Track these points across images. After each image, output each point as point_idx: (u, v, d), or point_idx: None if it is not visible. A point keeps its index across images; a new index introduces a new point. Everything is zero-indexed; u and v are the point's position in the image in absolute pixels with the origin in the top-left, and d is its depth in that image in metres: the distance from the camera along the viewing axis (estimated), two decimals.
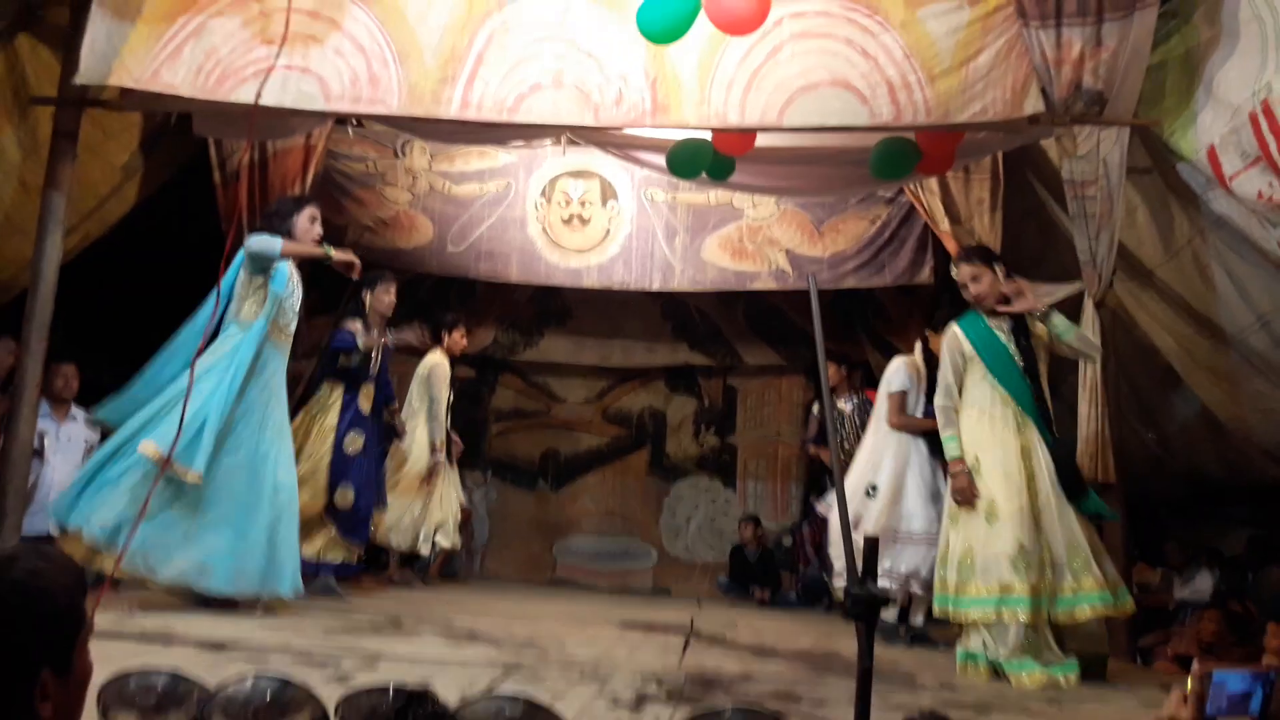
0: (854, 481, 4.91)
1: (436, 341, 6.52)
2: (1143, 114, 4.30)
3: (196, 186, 5.85)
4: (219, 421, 4.02)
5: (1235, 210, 4.09)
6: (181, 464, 3.91)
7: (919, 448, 4.90)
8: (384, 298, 5.55)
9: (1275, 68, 3.63)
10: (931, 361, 4.81)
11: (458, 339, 6.49)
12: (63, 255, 4.58)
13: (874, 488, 4.85)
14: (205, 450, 3.97)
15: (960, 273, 4.09)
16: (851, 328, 7.45)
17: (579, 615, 5.29)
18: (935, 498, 4.75)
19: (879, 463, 4.93)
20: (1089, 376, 4.52)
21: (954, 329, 4.07)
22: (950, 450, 3.94)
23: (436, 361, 6.38)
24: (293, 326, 4.44)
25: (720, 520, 7.97)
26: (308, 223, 4.48)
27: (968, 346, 3.99)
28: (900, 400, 4.99)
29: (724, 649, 4.27)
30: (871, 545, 1.81)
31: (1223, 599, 5.49)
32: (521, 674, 3.13)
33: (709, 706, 2.13)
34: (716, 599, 7.16)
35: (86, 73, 4.36)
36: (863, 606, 1.70)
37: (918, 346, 5.15)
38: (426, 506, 6.21)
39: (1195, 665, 1.54)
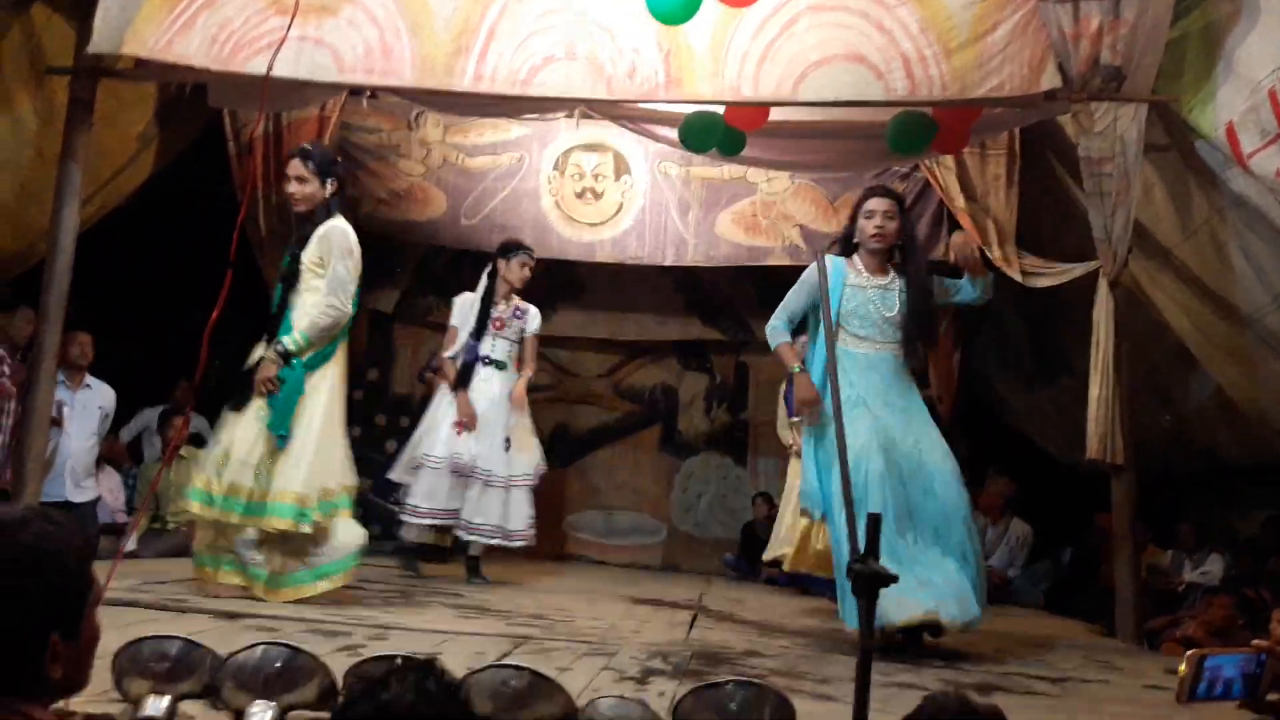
0: None
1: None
2: (1161, 90, 4.25)
3: (212, 157, 5.87)
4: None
5: (1253, 189, 4.05)
6: None
7: None
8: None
9: None
10: None
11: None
12: (79, 224, 4.61)
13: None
14: None
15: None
16: None
17: (588, 590, 5.33)
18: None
19: None
20: (1100, 357, 4.49)
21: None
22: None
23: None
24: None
25: (731, 497, 7.98)
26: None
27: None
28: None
29: (731, 625, 4.30)
30: (875, 521, 1.81)
31: (1235, 583, 5.47)
32: (529, 647, 3.16)
33: (712, 681, 2.15)
34: (726, 576, 7.18)
35: (100, 42, 4.37)
36: (865, 582, 1.71)
37: None
38: None
39: (1189, 651, 1.55)
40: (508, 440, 5.20)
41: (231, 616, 3.28)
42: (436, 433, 5.17)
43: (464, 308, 5.44)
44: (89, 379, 5.46)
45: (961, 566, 3.58)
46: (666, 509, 8.06)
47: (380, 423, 7.63)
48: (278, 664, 2.08)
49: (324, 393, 3.91)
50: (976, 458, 7.45)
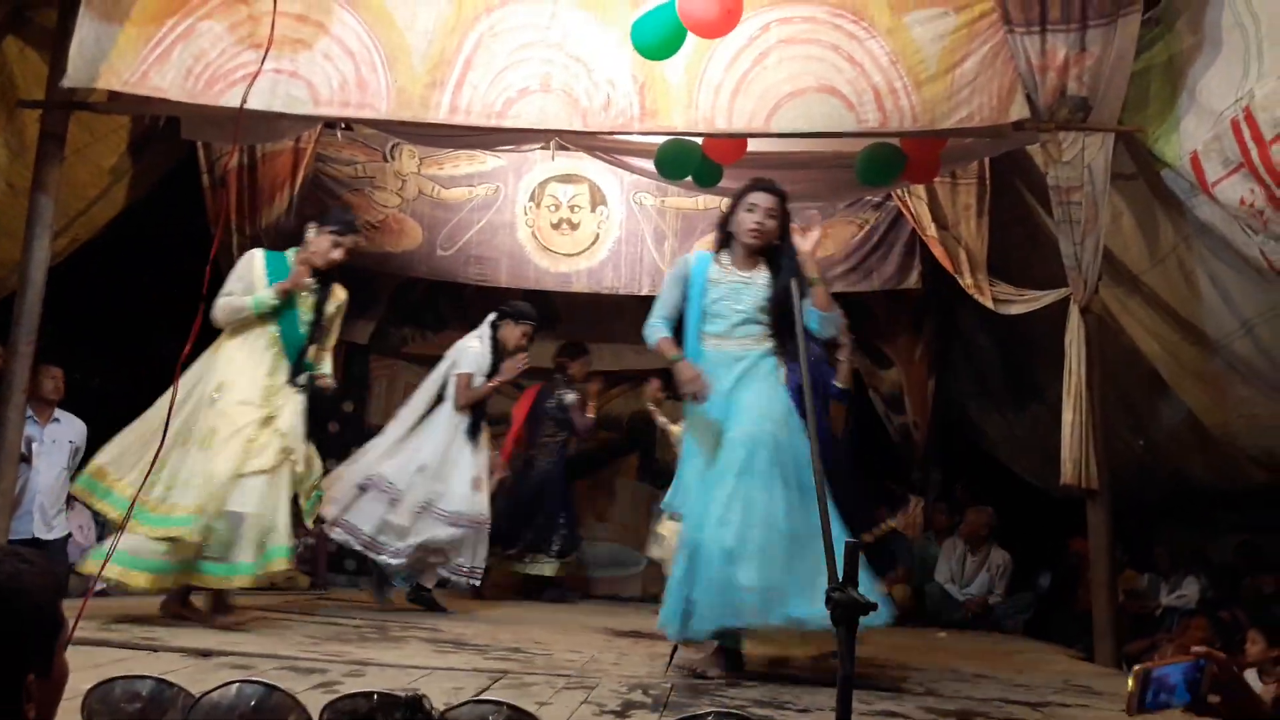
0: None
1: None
2: (1127, 120, 4.33)
3: (185, 189, 5.85)
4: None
5: (1218, 217, 4.12)
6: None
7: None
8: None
9: (1257, 75, 3.65)
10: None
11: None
12: (51, 258, 4.57)
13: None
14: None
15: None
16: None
17: (566, 622, 5.29)
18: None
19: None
20: (1073, 384, 4.53)
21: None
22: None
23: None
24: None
25: None
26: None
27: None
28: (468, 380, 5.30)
29: (711, 657, 4.26)
30: (853, 551, 1.81)
31: (1210, 606, 5.50)
32: (507, 681, 3.13)
33: (692, 713, 2.13)
34: None
35: (74, 75, 4.36)
36: (842, 612, 1.71)
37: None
38: None
39: (1135, 667, 1.58)
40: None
41: (204, 654, 3.23)
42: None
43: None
44: (58, 412, 5.39)
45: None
46: (645, 539, 8.03)
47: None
48: (252, 702, 2.05)
49: None
50: (950, 483, 7.49)
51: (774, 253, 3.69)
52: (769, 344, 3.67)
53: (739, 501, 3.38)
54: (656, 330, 3.78)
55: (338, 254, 4.22)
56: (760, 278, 3.68)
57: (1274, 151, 3.57)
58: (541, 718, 2.08)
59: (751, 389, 3.59)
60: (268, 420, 4.01)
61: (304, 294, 4.18)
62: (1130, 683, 1.57)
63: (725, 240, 3.76)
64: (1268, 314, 4.43)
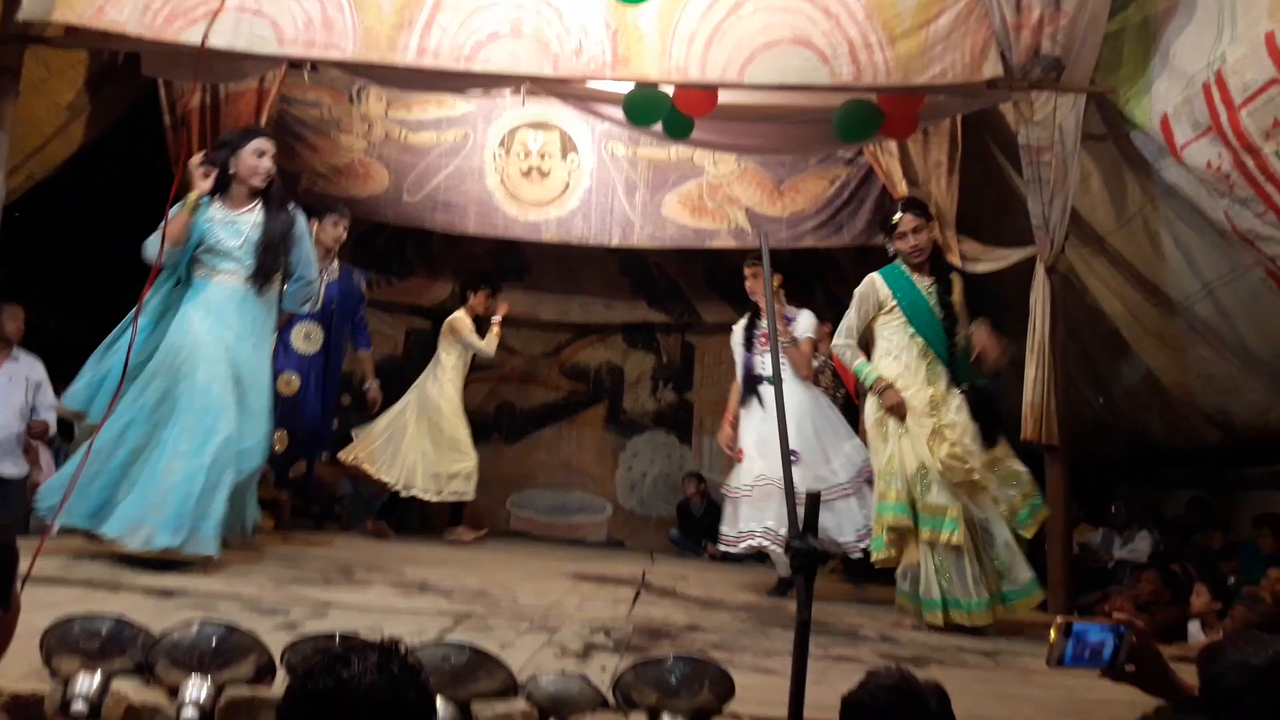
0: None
1: (462, 302, 6.71)
2: (1099, 81, 4.33)
3: (146, 128, 5.71)
4: (122, 370, 3.69)
5: (1185, 180, 4.15)
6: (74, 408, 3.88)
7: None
8: (330, 230, 5.47)
9: (1229, 38, 3.66)
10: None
11: (481, 299, 6.64)
12: (6, 195, 4.46)
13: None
14: (103, 395, 3.79)
15: (903, 221, 4.23)
16: (808, 288, 7.49)
17: (531, 567, 5.33)
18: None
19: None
20: (1036, 340, 4.59)
21: (873, 276, 4.20)
22: (868, 377, 4.13)
23: (459, 316, 6.57)
24: (231, 264, 4.06)
25: (676, 475, 8.04)
26: (254, 157, 4.17)
27: (885, 293, 4.16)
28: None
29: (673, 601, 4.33)
30: (813, 500, 1.84)
31: (1161, 560, 5.65)
32: (471, 623, 3.15)
33: (653, 656, 2.17)
34: (670, 552, 7.23)
35: (29, 8, 4.21)
36: (802, 560, 1.73)
37: None
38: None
39: (1058, 617, 1.63)
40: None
41: (165, 594, 3.22)
42: None
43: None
44: (16, 351, 5.31)
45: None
46: (611, 487, 8.09)
47: None
48: (213, 642, 2.05)
49: None
50: None
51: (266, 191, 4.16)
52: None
53: None
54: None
55: None
56: (251, 216, 4.12)
57: (1243, 116, 3.60)
58: (504, 659, 2.10)
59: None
60: None
61: None
62: (1052, 634, 1.61)
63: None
64: (1228, 276, 4.49)
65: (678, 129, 5.04)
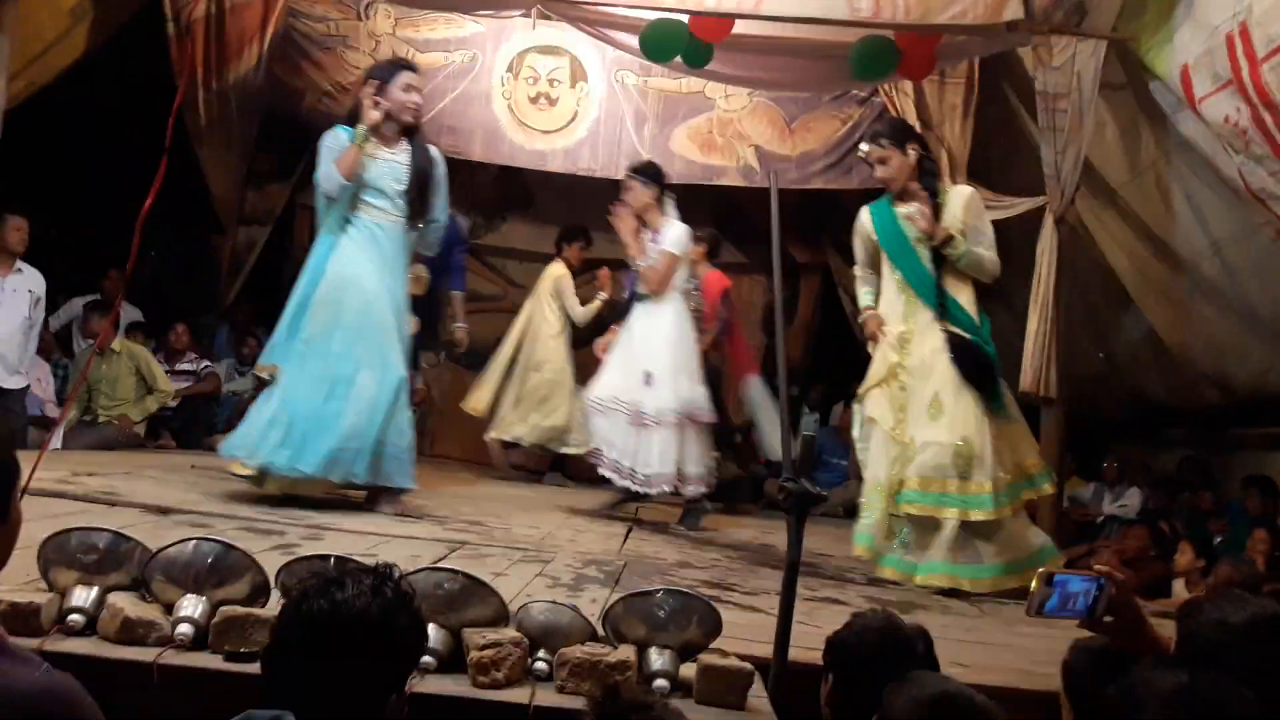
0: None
1: (558, 253, 6.46)
2: (1121, 28, 4.25)
3: (150, 38, 5.62)
4: (294, 314, 3.84)
5: (1201, 134, 4.09)
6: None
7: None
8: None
9: None
10: None
11: (575, 251, 6.41)
12: (7, 102, 4.40)
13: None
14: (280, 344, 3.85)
15: (869, 153, 3.90)
16: (815, 230, 7.43)
17: (527, 500, 5.37)
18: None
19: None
20: (1040, 292, 4.57)
21: (862, 212, 3.99)
22: (864, 300, 4.00)
23: (564, 274, 6.36)
24: (385, 201, 3.93)
25: None
26: (402, 92, 3.90)
27: (868, 228, 3.93)
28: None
29: (665, 538, 4.37)
30: (809, 444, 1.84)
31: (1150, 516, 5.69)
32: (464, 551, 3.19)
33: (642, 589, 2.19)
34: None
35: None
36: (796, 500, 1.75)
37: None
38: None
39: (1040, 569, 1.64)
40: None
41: (163, 511, 3.25)
42: None
43: None
44: (19, 263, 5.27)
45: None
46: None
47: None
48: (209, 559, 2.06)
49: None
50: None
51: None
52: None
53: None
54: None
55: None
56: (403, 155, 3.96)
57: (1264, 70, 3.53)
58: (496, 587, 2.12)
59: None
60: None
61: None
62: (1034, 584, 1.62)
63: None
64: (1238, 235, 4.46)
65: (696, 58, 4.93)
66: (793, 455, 1.77)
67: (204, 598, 1.99)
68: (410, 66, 4.07)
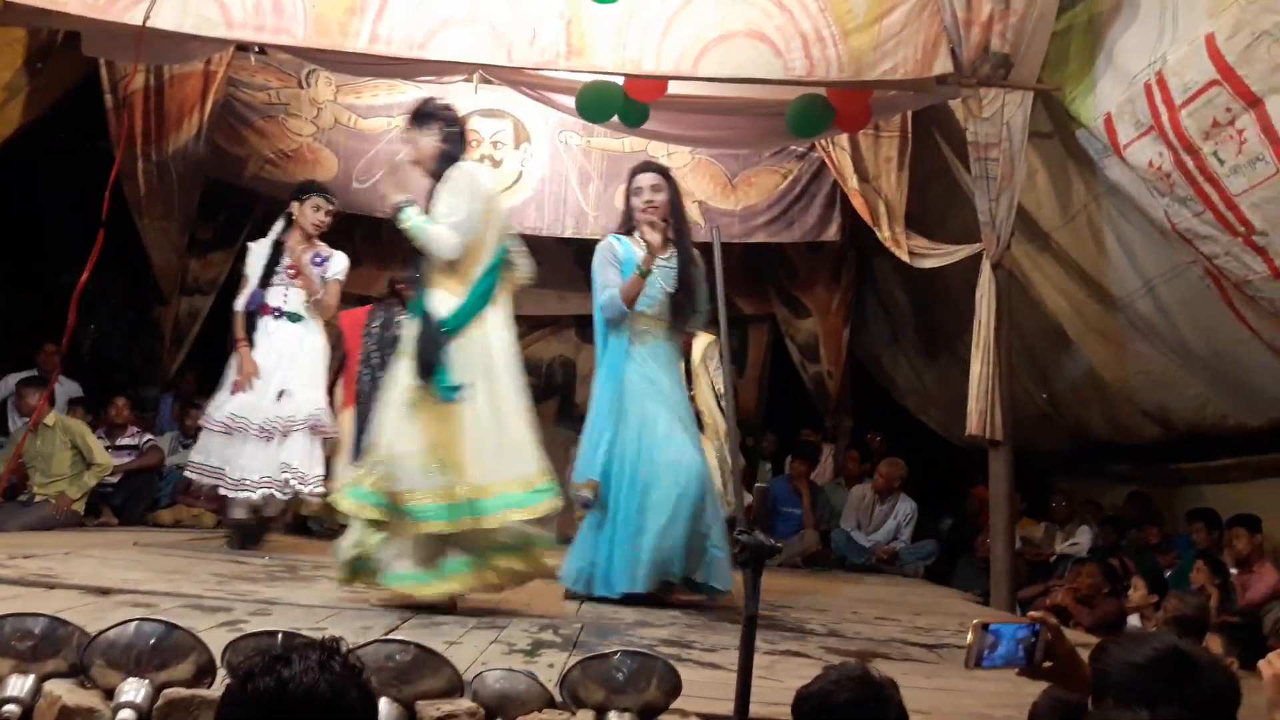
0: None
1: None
2: (1046, 79, 4.40)
3: (87, 109, 5.57)
4: (601, 429, 4.13)
5: (1128, 178, 4.23)
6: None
7: None
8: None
9: (1171, 39, 3.74)
10: None
11: None
12: None
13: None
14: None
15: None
16: (760, 282, 7.52)
17: None
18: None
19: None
20: (981, 337, 4.65)
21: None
22: None
23: None
24: (655, 311, 3.98)
25: None
26: (653, 193, 3.92)
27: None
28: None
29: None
30: (763, 494, 1.84)
31: (1101, 553, 5.76)
32: (416, 620, 3.12)
33: (599, 652, 2.16)
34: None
35: None
36: (750, 554, 1.74)
37: None
38: None
39: (974, 621, 1.64)
40: (280, 392, 4.73)
41: (103, 592, 3.14)
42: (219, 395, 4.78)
43: (257, 255, 4.88)
44: None
45: None
46: (562, 483, 8.04)
47: None
48: (151, 641, 1.99)
49: None
50: (862, 431, 7.67)
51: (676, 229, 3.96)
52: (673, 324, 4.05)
53: None
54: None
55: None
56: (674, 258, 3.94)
57: (1183, 116, 3.67)
58: (450, 657, 2.08)
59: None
60: None
61: None
62: (970, 635, 1.62)
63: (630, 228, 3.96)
64: (1168, 274, 4.59)
65: (632, 118, 5.03)
66: (744, 505, 1.76)
67: (146, 680, 1.93)
68: (646, 169, 4.01)
